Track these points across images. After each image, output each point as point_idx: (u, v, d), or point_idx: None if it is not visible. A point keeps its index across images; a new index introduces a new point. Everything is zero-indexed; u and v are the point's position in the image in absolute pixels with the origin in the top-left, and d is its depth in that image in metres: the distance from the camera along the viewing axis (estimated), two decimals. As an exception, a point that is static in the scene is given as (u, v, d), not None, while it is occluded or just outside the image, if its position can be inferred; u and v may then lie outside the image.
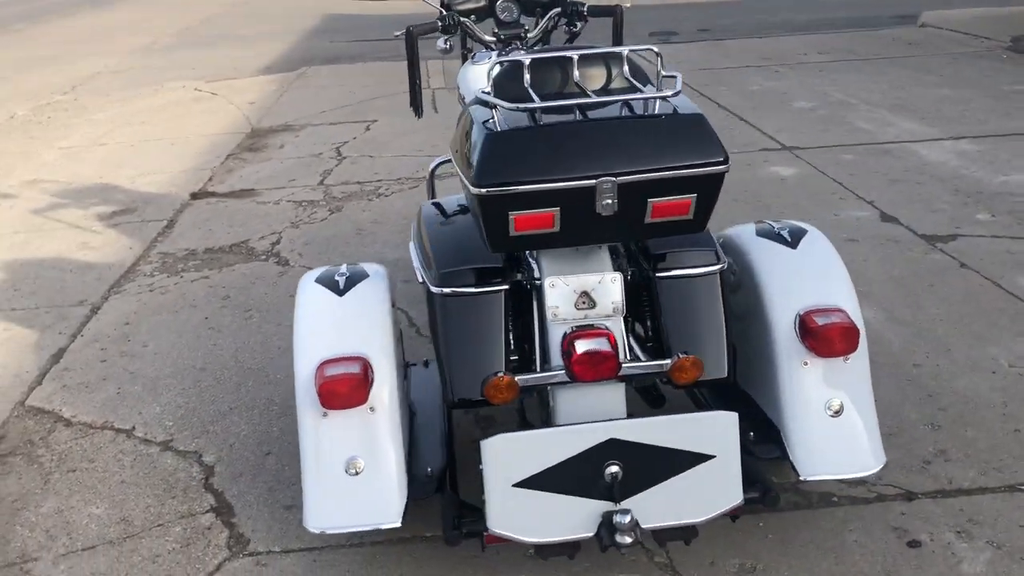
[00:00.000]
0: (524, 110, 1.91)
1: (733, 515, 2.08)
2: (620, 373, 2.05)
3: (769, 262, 2.30)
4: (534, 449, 1.96)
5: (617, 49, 2.10)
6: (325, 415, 2.07)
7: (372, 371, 2.09)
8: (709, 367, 2.10)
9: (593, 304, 2.07)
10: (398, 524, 2.06)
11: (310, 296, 2.26)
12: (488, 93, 1.99)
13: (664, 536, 2.05)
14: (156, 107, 7.53)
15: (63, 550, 2.36)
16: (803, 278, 2.27)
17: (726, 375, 2.14)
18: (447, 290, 2.14)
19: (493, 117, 1.97)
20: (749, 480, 2.07)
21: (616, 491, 1.95)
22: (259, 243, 4.34)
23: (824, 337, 2.11)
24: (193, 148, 6.15)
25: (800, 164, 5.01)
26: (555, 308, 2.07)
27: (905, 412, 2.70)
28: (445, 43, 2.97)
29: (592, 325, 2.07)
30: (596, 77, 2.09)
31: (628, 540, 1.92)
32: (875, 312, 3.24)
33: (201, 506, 2.49)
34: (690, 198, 1.92)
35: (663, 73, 2.01)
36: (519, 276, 2.16)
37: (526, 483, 1.95)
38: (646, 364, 2.10)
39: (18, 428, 2.92)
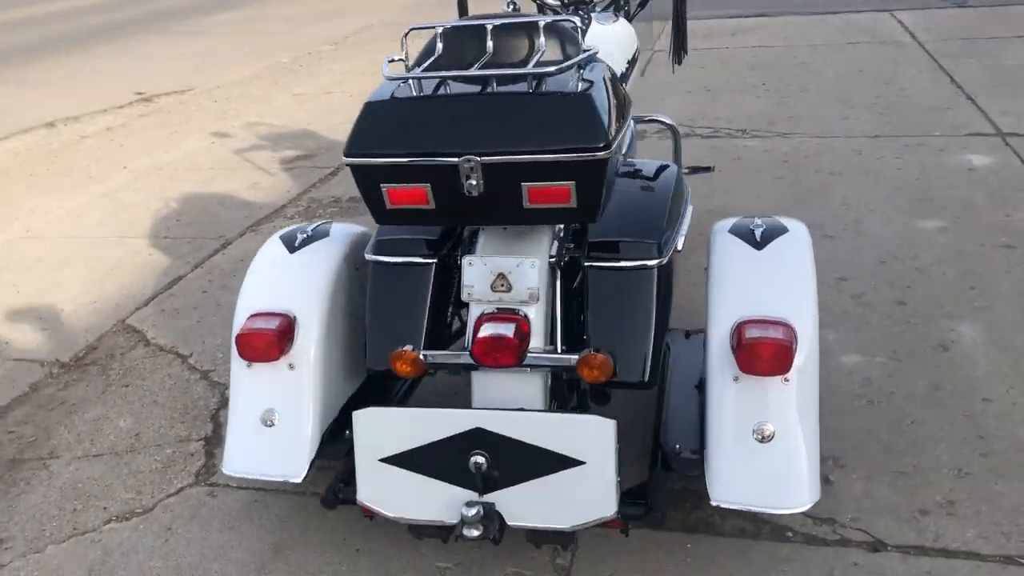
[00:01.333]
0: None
1: (622, 528, 1.92)
2: (525, 363, 1.95)
3: (726, 262, 2.09)
4: (402, 427, 1.93)
5: (534, 18, 1.97)
6: (249, 366, 2.17)
7: (296, 329, 2.15)
8: (624, 369, 1.96)
9: (509, 288, 1.98)
10: (299, 480, 2.12)
11: (266, 250, 2.35)
12: (401, 60, 1.96)
13: (539, 538, 1.94)
14: (397, 59, 7.96)
15: (80, 453, 2.67)
16: (757, 284, 2.03)
17: (642, 379, 1.97)
18: (376, 258, 2.15)
19: (398, 86, 1.93)
20: (640, 493, 1.92)
21: (479, 482, 1.88)
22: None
23: (750, 352, 1.88)
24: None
25: (1004, 153, 4.33)
26: (470, 288, 2.01)
27: (937, 452, 2.31)
28: (508, 6, 2.92)
29: (508, 309, 1.98)
30: (517, 48, 1.97)
31: (474, 534, 1.84)
32: (980, 332, 2.78)
33: (197, 434, 2.70)
34: (568, 185, 1.78)
35: (585, 48, 1.90)
36: (445, 251, 2.12)
37: (393, 459, 1.93)
38: (553, 356, 1.99)
39: (109, 342, 3.31)
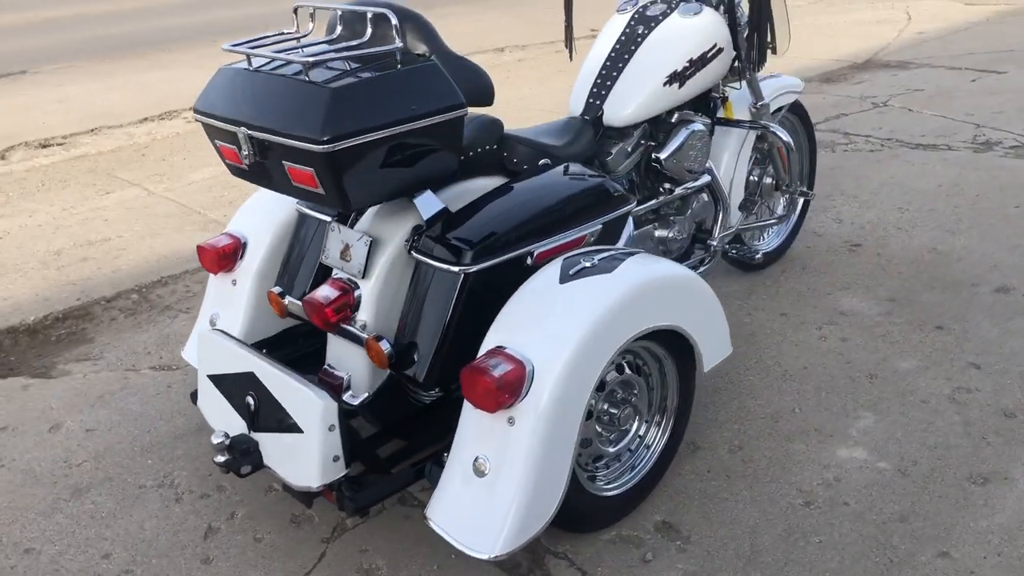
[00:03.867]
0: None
1: (340, 506, 1.99)
2: (333, 332, 2.16)
3: (530, 285, 2.01)
4: (220, 354, 2.17)
5: (354, 8, 2.07)
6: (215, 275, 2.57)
7: (242, 250, 2.50)
8: (409, 363, 2.06)
9: (350, 259, 2.17)
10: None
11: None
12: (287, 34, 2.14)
13: (289, 491, 2.06)
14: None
15: (134, 363, 2.94)
16: (531, 316, 1.94)
17: (421, 379, 2.03)
18: (298, 207, 2.39)
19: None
20: (360, 482, 2.03)
21: (249, 419, 2.08)
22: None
23: (466, 381, 1.84)
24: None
25: None
26: (327, 252, 2.22)
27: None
28: None
29: (342, 278, 2.17)
30: (356, 35, 2.04)
31: (219, 459, 2.02)
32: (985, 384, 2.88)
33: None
34: (310, 171, 1.85)
35: (397, 41, 1.93)
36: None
37: (212, 378, 2.19)
38: (352, 331, 2.15)
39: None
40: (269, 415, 2.03)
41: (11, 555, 2.22)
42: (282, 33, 2.13)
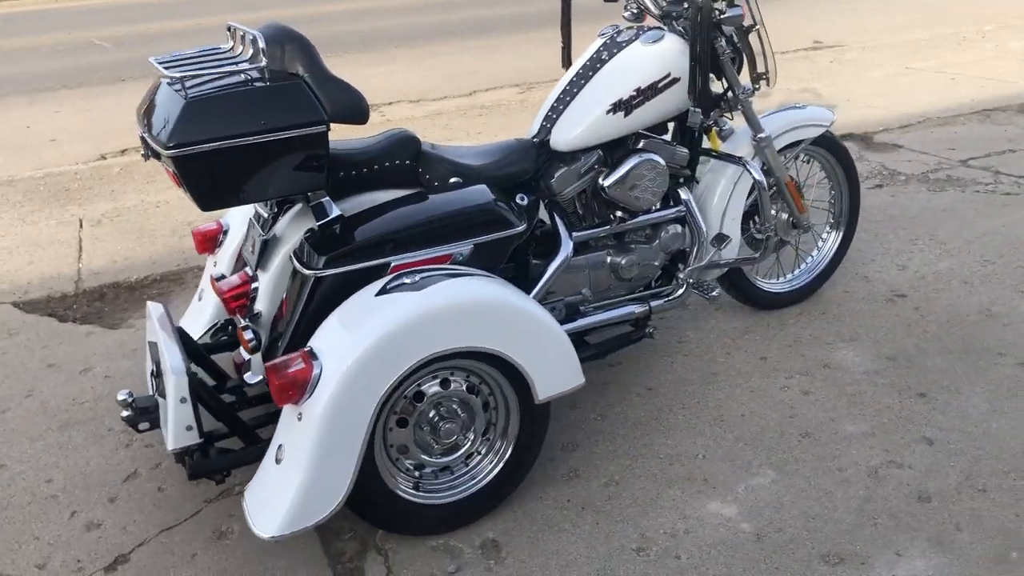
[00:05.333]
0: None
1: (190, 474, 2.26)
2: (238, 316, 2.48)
3: (354, 296, 2.19)
4: (150, 323, 2.48)
5: (243, 29, 2.27)
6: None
7: (222, 236, 2.86)
8: (273, 354, 2.31)
9: (253, 253, 2.50)
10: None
11: None
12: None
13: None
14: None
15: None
16: (342, 321, 2.11)
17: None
18: None
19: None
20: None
21: (153, 384, 2.40)
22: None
23: (268, 373, 2.05)
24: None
25: None
26: (245, 244, 2.57)
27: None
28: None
29: (247, 271, 2.50)
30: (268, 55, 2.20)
31: (123, 415, 2.33)
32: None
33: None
34: (173, 173, 2.06)
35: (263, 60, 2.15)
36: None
37: (149, 344, 2.51)
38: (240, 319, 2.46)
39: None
40: (160, 382, 2.35)
41: (-13, 467, 2.73)
42: (216, 50, 2.42)
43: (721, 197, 2.97)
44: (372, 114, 6.78)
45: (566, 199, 2.73)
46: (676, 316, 3.34)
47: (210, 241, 2.85)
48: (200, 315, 2.88)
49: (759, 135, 2.96)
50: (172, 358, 2.25)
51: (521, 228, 2.45)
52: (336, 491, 2.05)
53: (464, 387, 2.26)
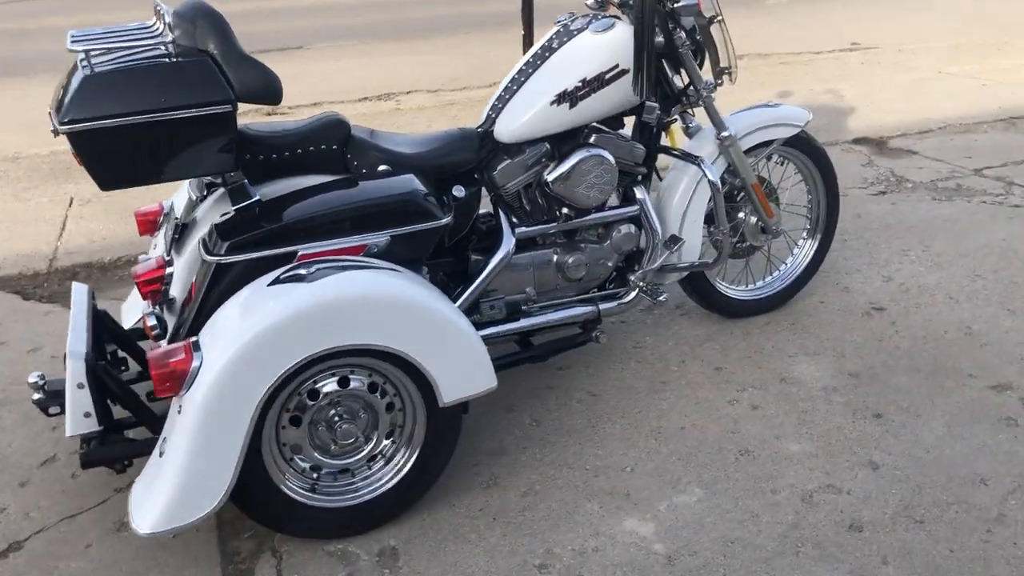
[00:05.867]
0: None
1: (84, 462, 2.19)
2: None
3: (249, 285, 2.12)
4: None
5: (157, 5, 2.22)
6: None
7: (160, 218, 2.77)
8: (175, 340, 2.23)
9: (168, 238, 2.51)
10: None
11: None
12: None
13: None
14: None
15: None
16: (231, 312, 2.03)
17: None
18: None
19: None
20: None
21: None
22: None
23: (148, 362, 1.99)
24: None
25: None
26: (164, 229, 2.59)
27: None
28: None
29: (163, 255, 2.49)
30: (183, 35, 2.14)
31: (33, 397, 2.27)
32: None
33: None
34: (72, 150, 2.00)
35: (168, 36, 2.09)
36: None
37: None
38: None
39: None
40: None
41: (-88, 444, 2.69)
42: (142, 27, 2.34)
43: (682, 198, 2.83)
44: (386, 102, 6.71)
45: (510, 193, 2.62)
46: (637, 320, 3.20)
47: (151, 223, 2.77)
48: (139, 300, 2.82)
49: (722, 133, 2.80)
50: (74, 342, 2.18)
51: (444, 221, 2.34)
52: (215, 490, 1.96)
53: (365, 386, 2.15)
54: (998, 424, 2.54)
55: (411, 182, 2.34)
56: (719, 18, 2.65)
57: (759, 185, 2.92)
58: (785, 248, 3.27)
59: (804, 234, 3.24)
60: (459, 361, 2.12)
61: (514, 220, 2.62)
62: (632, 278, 2.76)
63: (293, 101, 6.69)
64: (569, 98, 2.53)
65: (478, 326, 2.54)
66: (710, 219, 3.00)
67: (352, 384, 2.13)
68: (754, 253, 3.11)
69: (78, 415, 2.13)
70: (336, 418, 2.15)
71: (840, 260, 3.58)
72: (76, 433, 2.15)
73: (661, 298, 2.75)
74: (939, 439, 2.48)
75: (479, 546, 2.17)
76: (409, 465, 2.22)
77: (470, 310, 2.57)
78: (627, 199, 2.77)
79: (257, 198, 2.22)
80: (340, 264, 2.08)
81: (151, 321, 2.26)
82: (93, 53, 2.04)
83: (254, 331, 1.92)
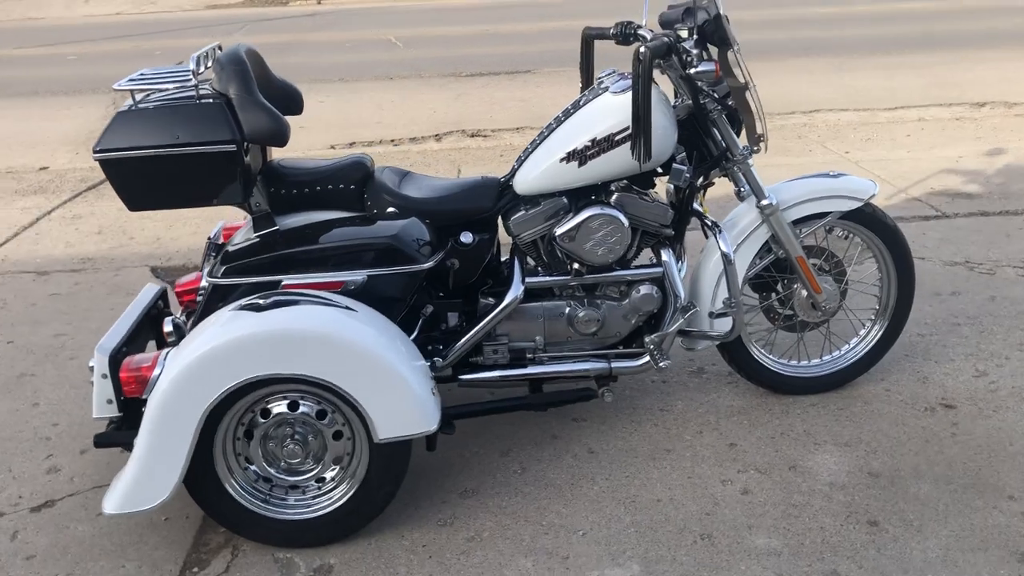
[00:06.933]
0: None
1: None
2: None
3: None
4: None
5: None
6: None
7: None
8: None
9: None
10: None
11: None
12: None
13: None
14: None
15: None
16: (199, 330, 2.28)
17: None
18: None
19: None
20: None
21: None
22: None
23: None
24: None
25: None
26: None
27: None
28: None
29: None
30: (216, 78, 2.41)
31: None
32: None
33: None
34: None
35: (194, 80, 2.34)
36: None
37: None
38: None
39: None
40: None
41: None
42: (180, 70, 2.62)
43: (717, 263, 2.75)
44: (478, 140, 6.63)
45: (526, 242, 2.69)
46: (680, 382, 3.13)
47: (192, 293, 2.95)
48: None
49: (762, 202, 2.71)
50: (108, 338, 2.53)
51: (425, 266, 2.47)
52: (166, 483, 2.23)
53: (314, 413, 2.33)
54: (1008, 557, 2.26)
55: (403, 226, 2.49)
56: (750, 86, 2.55)
57: (804, 259, 2.77)
58: (852, 328, 3.06)
59: (872, 315, 3.01)
60: (395, 401, 2.24)
61: (526, 269, 2.68)
62: (647, 340, 2.72)
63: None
64: (578, 156, 2.56)
65: (481, 367, 2.65)
66: (766, 287, 2.90)
67: (301, 408, 2.32)
68: (808, 329, 2.94)
69: (102, 401, 2.48)
70: (287, 438, 2.34)
71: (938, 346, 3.28)
72: (100, 416, 2.49)
73: (663, 364, 2.69)
74: (927, 563, 2.25)
75: (407, 571, 2.28)
76: (351, 493, 2.37)
77: (474, 351, 2.67)
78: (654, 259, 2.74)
79: (275, 228, 2.46)
80: (297, 298, 2.28)
81: (168, 327, 2.57)
82: (137, 93, 2.38)
83: (201, 351, 2.17)
